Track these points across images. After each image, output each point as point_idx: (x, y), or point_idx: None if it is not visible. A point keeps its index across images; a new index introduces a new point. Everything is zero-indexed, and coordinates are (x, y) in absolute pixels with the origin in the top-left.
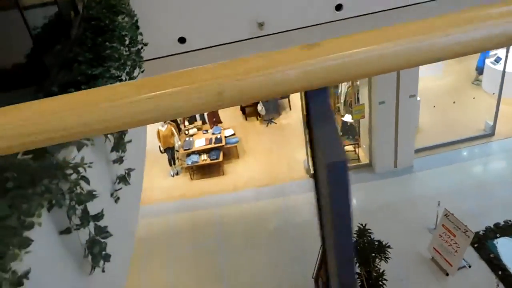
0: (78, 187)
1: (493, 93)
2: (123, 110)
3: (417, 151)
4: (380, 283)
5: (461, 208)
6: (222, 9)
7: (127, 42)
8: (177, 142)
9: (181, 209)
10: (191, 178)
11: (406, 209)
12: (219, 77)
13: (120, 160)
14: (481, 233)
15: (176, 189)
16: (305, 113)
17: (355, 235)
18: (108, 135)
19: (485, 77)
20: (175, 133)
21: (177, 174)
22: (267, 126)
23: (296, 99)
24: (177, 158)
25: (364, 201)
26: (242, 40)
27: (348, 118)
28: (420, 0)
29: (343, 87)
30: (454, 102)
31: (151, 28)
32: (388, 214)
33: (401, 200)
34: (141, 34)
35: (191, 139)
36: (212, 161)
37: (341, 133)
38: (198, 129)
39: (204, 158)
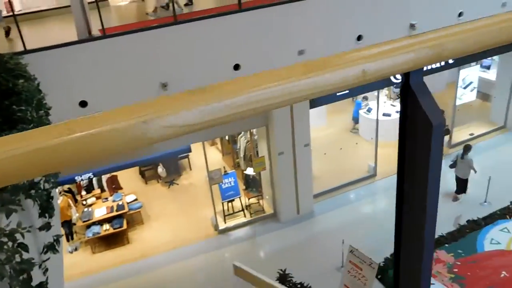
0: (17, 255)
1: (371, 138)
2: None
3: (316, 196)
4: None
5: (363, 243)
6: (124, 71)
7: (34, 105)
8: (75, 214)
9: None
10: (93, 252)
11: (314, 252)
12: None
13: (47, 227)
14: (381, 264)
15: (75, 267)
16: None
17: (277, 281)
18: (36, 199)
19: (361, 125)
20: (72, 205)
21: (75, 249)
22: (168, 188)
23: (196, 158)
24: (75, 232)
25: (274, 249)
26: None
27: (250, 171)
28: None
29: (242, 142)
30: (341, 149)
31: (53, 92)
32: (298, 258)
33: (308, 244)
34: (43, 98)
35: (90, 209)
36: (116, 230)
37: (244, 187)
38: (97, 198)
39: (106, 228)
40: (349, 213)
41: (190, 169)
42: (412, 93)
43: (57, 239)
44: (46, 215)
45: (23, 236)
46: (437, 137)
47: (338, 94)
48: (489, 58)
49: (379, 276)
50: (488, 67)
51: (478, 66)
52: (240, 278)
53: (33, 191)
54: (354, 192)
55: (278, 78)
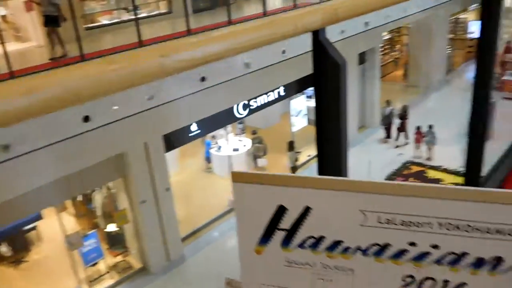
0: None
1: (226, 173)
2: None
3: (184, 239)
4: None
5: (238, 273)
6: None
7: None
8: None
9: None
10: None
11: None
12: None
13: None
14: None
15: None
16: None
17: None
18: None
19: (214, 164)
20: None
21: None
22: (15, 268)
23: (46, 228)
24: None
25: None
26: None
27: (112, 227)
28: None
29: (98, 199)
30: (200, 187)
31: None
32: None
33: None
34: None
35: None
36: None
37: (107, 246)
38: None
39: None
40: (219, 248)
41: (41, 241)
42: (321, 45)
43: None
44: None
45: None
46: (343, 73)
47: (190, 134)
48: (311, 89)
49: None
50: (310, 97)
51: (304, 96)
52: None
53: None
54: (220, 226)
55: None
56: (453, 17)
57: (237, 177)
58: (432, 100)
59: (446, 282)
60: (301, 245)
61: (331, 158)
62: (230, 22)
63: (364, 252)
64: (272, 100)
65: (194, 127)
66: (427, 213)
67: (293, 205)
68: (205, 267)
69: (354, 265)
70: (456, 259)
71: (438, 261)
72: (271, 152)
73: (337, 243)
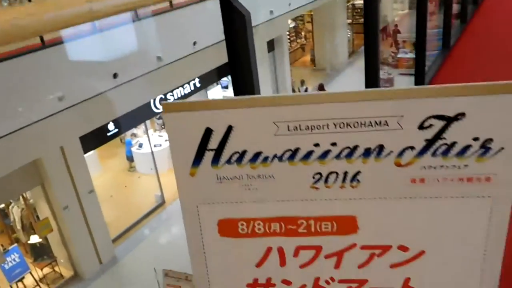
0: None
1: (151, 169)
2: None
3: (114, 240)
4: None
5: (174, 266)
6: None
7: None
8: None
9: None
10: None
11: None
12: None
13: None
14: None
15: None
16: None
17: None
18: None
19: (137, 162)
20: None
21: None
22: None
23: None
24: None
25: None
26: None
27: (35, 239)
28: None
29: (16, 212)
30: (125, 186)
31: None
32: None
33: None
34: None
35: None
36: None
37: (32, 259)
38: None
39: None
40: (152, 244)
41: None
42: (228, 2)
43: None
44: None
45: None
46: (249, 24)
47: (108, 134)
48: (225, 79)
49: None
50: (226, 87)
51: (220, 86)
52: None
53: None
54: (150, 223)
55: None
56: (350, 3)
57: (168, 108)
58: (338, 80)
59: (345, 173)
60: (228, 161)
61: (246, 91)
62: None
63: (280, 158)
64: (189, 93)
65: (111, 126)
66: (325, 116)
67: (218, 126)
68: (139, 265)
69: (273, 172)
70: (350, 152)
71: (337, 156)
72: None
73: (257, 155)
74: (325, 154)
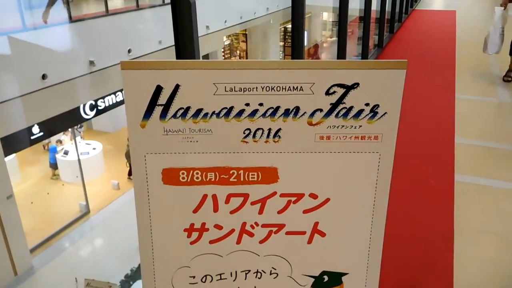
0: None
1: (77, 176)
2: None
3: (32, 250)
4: None
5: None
6: None
7: None
8: None
9: None
10: None
11: None
12: None
13: None
14: (119, 286)
15: None
16: None
17: None
18: None
19: (61, 170)
20: None
21: None
22: None
23: None
24: None
25: None
26: None
27: None
28: None
29: None
30: (48, 193)
31: None
32: None
33: None
34: None
35: None
36: None
37: None
38: None
39: None
40: (72, 254)
41: None
42: None
43: None
44: None
45: None
46: (194, 10)
47: (32, 137)
48: None
49: None
50: None
51: None
52: None
53: None
54: (74, 232)
55: None
56: (282, 27)
57: (125, 65)
58: None
59: (269, 129)
60: (174, 116)
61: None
62: None
63: (217, 115)
64: (121, 101)
65: (36, 129)
66: (254, 80)
67: (167, 84)
68: (58, 276)
69: (211, 127)
70: (274, 112)
71: (263, 115)
72: (123, 156)
73: (199, 111)
74: (254, 112)
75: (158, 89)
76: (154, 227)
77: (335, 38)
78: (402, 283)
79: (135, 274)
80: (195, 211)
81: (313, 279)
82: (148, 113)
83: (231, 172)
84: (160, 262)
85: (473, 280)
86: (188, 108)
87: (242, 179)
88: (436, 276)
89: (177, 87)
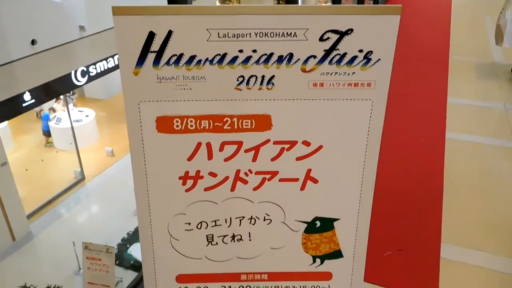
0: None
1: (70, 143)
2: None
3: (29, 216)
4: None
5: (93, 240)
6: None
7: None
8: None
9: None
10: None
11: (46, 270)
12: None
13: None
14: (116, 251)
15: None
16: None
17: None
18: None
19: (55, 137)
20: None
21: None
22: None
23: None
24: None
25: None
26: None
27: None
28: None
29: None
30: (42, 160)
31: None
32: (33, 281)
33: (37, 265)
34: None
35: None
36: None
37: None
38: None
39: None
40: (71, 219)
41: None
42: None
43: None
44: None
45: None
46: None
47: (24, 104)
48: None
49: (117, 262)
50: None
51: None
52: None
53: None
54: (69, 199)
55: None
56: None
57: (117, 11)
58: None
59: (263, 76)
60: (167, 63)
61: None
62: None
63: (211, 62)
64: (113, 67)
65: (27, 96)
66: (248, 26)
67: (160, 30)
68: (56, 241)
69: (205, 74)
70: (267, 58)
71: (257, 62)
72: (117, 123)
73: (192, 58)
74: (247, 59)
75: (151, 36)
76: (149, 175)
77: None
78: (392, 230)
79: (131, 238)
80: (189, 159)
81: (305, 225)
82: (141, 60)
83: (225, 120)
84: (156, 209)
85: (459, 228)
86: (181, 55)
87: (236, 126)
88: (425, 224)
89: (169, 33)
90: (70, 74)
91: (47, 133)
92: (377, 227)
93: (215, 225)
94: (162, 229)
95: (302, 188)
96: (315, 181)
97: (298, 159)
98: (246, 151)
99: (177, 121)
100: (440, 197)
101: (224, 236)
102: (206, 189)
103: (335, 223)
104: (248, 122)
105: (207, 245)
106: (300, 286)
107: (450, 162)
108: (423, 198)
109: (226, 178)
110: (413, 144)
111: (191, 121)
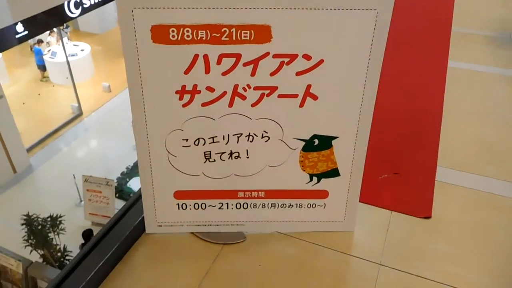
0: None
1: (67, 78)
2: None
3: (29, 150)
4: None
5: (93, 174)
6: None
7: None
8: None
9: None
10: None
11: (49, 200)
12: None
13: None
14: (116, 184)
15: None
16: None
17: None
18: None
19: (50, 72)
20: None
21: None
22: None
23: None
24: None
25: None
26: None
27: None
28: None
29: None
30: (39, 94)
31: None
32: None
33: (37, 197)
34: None
35: None
36: None
37: None
38: None
39: None
40: (69, 153)
41: None
42: None
43: None
44: None
45: None
46: None
47: (17, 36)
48: None
49: (117, 195)
50: None
51: None
52: None
53: None
54: (67, 133)
55: None
56: None
57: None
58: None
59: None
60: None
61: None
62: None
63: None
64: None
65: (20, 27)
66: None
67: None
68: (56, 174)
69: None
70: None
71: None
72: (113, 58)
73: None
74: None
75: None
76: (145, 89)
77: None
78: (391, 149)
79: (130, 172)
80: (186, 72)
81: (303, 143)
82: None
83: (223, 30)
84: (153, 125)
85: (455, 151)
86: None
87: (234, 38)
88: (423, 144)
89: None
90: (63, 5)
91: (42, 67)
92: (375, 150)
93: (213, 141)
94: (160, 145)
95: (301, 105)
96: (314, 97)
97: (298, 74)
98: (245, 64)
99: (173, 31)
100: (438, 121)
101: (222, 153)
102: (203, 105)
103: (333, 142)
104: (247, 33)
105: (204, 162)
106: (297, 204)
107: (451, 88)
108: (422, 123)
109: (224, 93)
110: (415, 70)
111: (187, 31)
